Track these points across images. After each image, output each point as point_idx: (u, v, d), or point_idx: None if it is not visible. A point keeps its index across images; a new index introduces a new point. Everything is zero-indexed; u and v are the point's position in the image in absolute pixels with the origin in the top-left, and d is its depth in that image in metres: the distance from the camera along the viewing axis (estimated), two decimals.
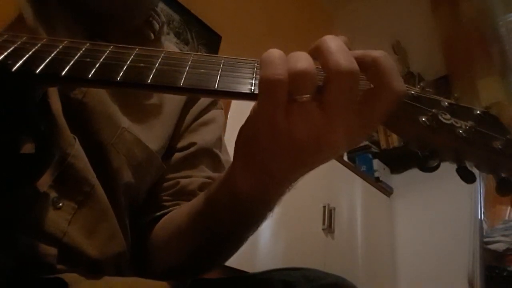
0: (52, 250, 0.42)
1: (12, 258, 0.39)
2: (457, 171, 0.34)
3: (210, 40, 2.11)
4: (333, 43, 0.32)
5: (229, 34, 2.18)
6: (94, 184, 0.47)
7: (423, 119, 0.33)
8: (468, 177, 0.34)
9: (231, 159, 0.67)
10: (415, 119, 0.33)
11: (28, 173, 0.39)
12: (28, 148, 0.37)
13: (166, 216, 0.55)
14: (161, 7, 1.85)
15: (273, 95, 0.31)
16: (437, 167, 0.35)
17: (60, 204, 0.44)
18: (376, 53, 0.33)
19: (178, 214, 0.54)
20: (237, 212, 0.43)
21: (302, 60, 0.32)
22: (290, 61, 0.32)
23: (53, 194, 0.44)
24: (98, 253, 0.46)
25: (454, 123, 0.33)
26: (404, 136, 0.35)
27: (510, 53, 2.20)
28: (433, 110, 0.34)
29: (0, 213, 0.39)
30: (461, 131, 0.33)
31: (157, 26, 0.62)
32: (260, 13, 2.45)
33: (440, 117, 0.33)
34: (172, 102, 0.60)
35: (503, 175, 0.33)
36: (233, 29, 2.21)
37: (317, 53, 0.33)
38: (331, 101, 0.32)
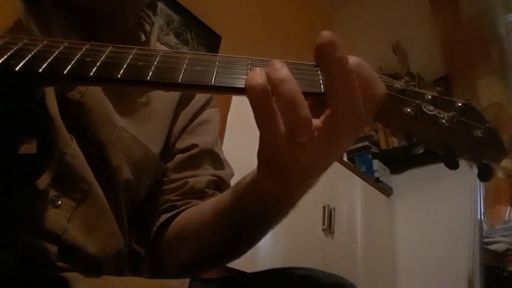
0: (52, 248, 0.43)
1: (13, 256, 0.40)
2: (441, 158, 0.36)
3: (210, 41, 2.11)
4: (283, 71, 0.33)
5: (229, 35, 2.18)
6: (91, 183, 0.48)
7: (408, 110, 0.35)
8: (451, 164, 0.36)
9: (225, 156, 0.70)
10: (400, 110, 0.35)
11: (28, 173, 0.39)
12: (26, 148, 0.37)
13: (182, 215, 0.57)
14: (161, 7, 1.85)
15: (270, 126, 0.33)
16: (421, 154, 0.37)
17: (59, 202, 0.45)
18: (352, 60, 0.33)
19: (198, 212, 0.55)
20: (263, 211, 0.45)
21: (301, 108, 0.32)
22: (288, 107, 0.32)
23: (52, 193, 0.44)
24: (97, 250, 0.47)
25: (437, 114, 0.36)
26: (390, 127, 0.37)
27: (510, 53, 2.20)
28: (417, 102, 0.36)
29: (0, 212, 0.39)
30: (443, 121, 0.35)
31: (148, 27, 0.63)
32: (260, 14, 2.45)
33: (423, 108, 0.36)
34: (164, 102, 0.62)
35: (483, 161, 0.36)
36: (233, 30, 2.21)
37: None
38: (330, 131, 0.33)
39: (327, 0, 3.02)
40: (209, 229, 0.51)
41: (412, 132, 0.36)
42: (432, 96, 0.37)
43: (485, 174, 0.35)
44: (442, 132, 0.35)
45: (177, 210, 0.57)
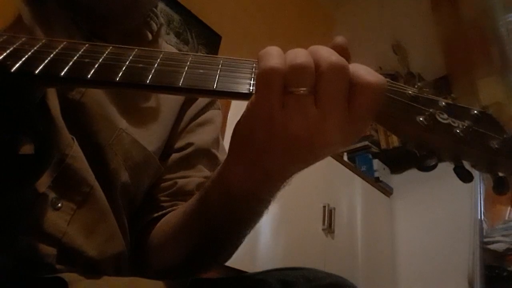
0: (52, 250, 0.42)
1: (12, 258, 0.39)
2: (455, 170, 0.34)
3: (210, 40, 2.11)
4: (322, 48, 0.34)
5: (229, 34, 2.18)
6: (93, 185, 0.47)
7: (421, 118, 0.33)
8: (465, 176, 0.34)
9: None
10: (413, 119, 0.33)
11: (27, 174, 0.39)
12: (27, 149, 0.37)
13: (164, 217, 0.55)
14: (161, 7, 1.85)
15: (270, 84, 0.32)
16: (434, 166, 0.35)
17: (59, 205, 0.44)
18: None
19: (174, 214, 0.54)
20: (231, 209, 0.43)
21: (301, 55, 0.33)
22: (290, 55, 0.33)
23: (52, 195, 0.44)
24: (97, 253, 0.46)
25: (451, 123, 0.33)
26: (402, 136, 0.35)
27: (510, 53, 2.19)
28: (431, 110, 0.34)
29: (0, 213, 0.39)
30: (458, 131, 0.33)
31: (155, 27, 0.62)
32: (260, 13, 2.45)
33: (437, 117, 0.33)
34: (169, 103, 0.60)
35: (499, 174, 0.33)
36: (233, 29, 2.21)
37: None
38: (325, 94, 0.33)
39: (327, 0, 3.01)
40: (180, 232, 0.50)
41: (424, 142, 0.34)
42: (446, 103, 0.35)
43: (501, 188, 0.33)
44: (456, 142, 0.33)
45: (163, 212, 0.56)
